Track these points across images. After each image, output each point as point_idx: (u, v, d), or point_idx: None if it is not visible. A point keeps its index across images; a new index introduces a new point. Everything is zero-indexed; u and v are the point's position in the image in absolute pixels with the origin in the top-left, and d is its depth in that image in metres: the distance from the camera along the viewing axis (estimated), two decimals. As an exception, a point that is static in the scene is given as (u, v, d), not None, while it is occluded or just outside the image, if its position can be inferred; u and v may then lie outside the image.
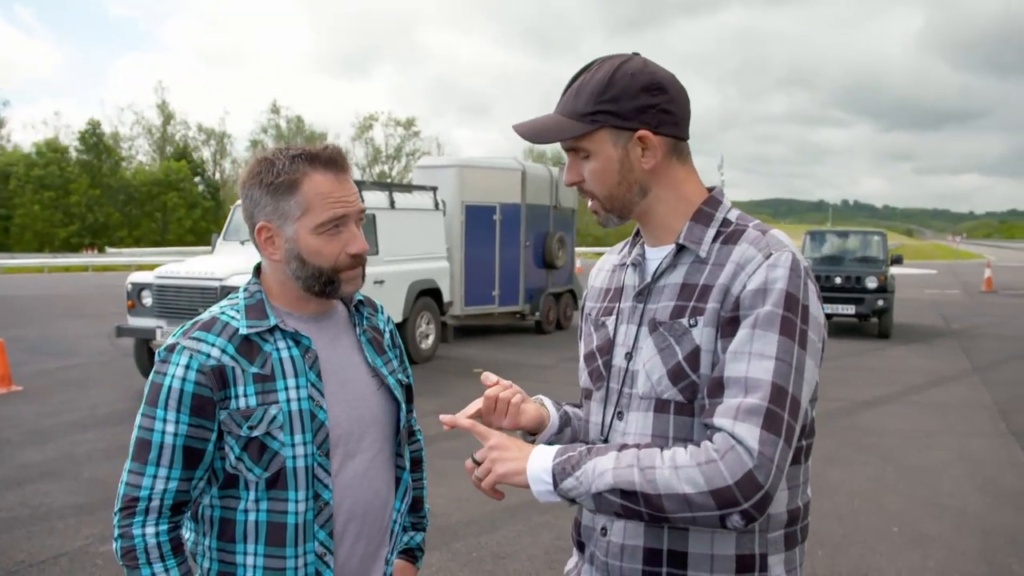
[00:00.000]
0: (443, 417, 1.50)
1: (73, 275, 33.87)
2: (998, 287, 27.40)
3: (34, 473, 6.21)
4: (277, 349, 1.63)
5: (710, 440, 1.30)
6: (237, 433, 1.58)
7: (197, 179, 63.91)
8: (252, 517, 1.61)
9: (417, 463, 2.03)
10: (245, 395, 1.58)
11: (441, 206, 12.37)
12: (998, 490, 6.09)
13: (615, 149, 1.44)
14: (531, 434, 1.62)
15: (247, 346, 1.62)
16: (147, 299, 9.16)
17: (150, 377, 1.61)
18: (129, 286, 9.32)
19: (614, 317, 1.55)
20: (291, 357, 1.64)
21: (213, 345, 1.59)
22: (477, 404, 1.56)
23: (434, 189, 12.33)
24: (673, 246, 1.47)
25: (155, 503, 1.56)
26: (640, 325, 1.48)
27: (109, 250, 46.99)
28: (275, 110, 72.99)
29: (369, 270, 10.18)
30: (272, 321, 1.64)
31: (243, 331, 1.62)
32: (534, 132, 1.48)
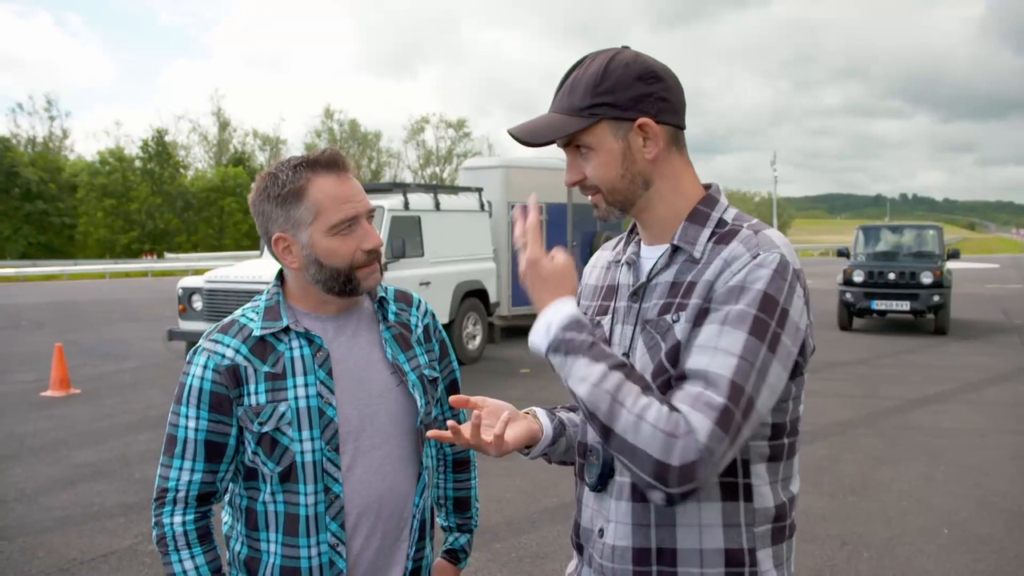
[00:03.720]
0: (430, 433, 1.48)
1: (133, 280, 34.74)
2: (1063, 281, 26.57)
3: (87, 473, 6.39)
4: (290, 348, 1.70)
5: (680, 413, 1.27)
6: (251, 429, 1.67)
7: (253, 185, 64.99)
8: (271, 508, 1.70)
9: (464, 463, 2.04)
10: (256, 393, 1.67)
11: (487, 207, 12.41)
12: (1055, 490, 5.90)
13: (616, 141, 1.42)
14: (526, 447, 1.60)
15: (261, 346, 1.70)
16: (197, 303, 9.36)
17: (181, 378, 1.72)
18: (180, 291, 9.54)
19: (609, 317, 1.54)
20: (302, 356, 1.70)
21: (228, 346, 1.69)
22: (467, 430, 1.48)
23: (479, 190, 12.37)
24: (668, 246, 1.46)
25: (181, 494, 1.67)
26: (635, 325, 1.47)
27: (168, 255, 48.10)
28: (328, 114, 73.97)
29: (415, 272, 10.35)
30: (284, 322, 1.71)
31: (257, 332, 1.70)
32: (531, 133, 1.44)
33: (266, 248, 1.79)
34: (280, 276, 1.82)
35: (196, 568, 1.67)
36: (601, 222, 1.59)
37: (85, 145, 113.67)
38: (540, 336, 1.38)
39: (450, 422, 1.40)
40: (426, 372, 1.85)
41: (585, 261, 14.15)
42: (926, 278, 14.17)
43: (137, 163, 59.38)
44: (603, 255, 1.67)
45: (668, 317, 1.40)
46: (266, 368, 1.68)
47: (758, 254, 1.35)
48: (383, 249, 1.80)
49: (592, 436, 1.54)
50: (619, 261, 1.58)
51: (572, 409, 1.72)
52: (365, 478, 1.73)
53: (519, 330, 15.22)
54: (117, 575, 4.50)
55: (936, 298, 14.10)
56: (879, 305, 14.45)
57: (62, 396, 9.43)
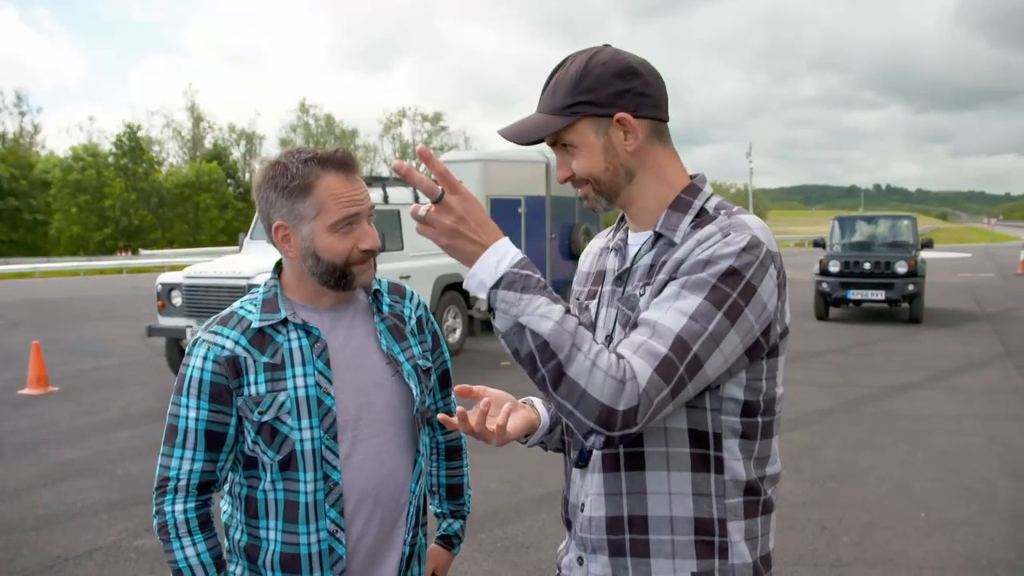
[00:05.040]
0: (441, 417, 1.51)
1: (108, 277, 34.39)
2: (1034, 269, 26.94)
3: (69, 471, 6.35)
4: (288, 340, 1.74)
5: (624, 359, 1.30)
6: (251, 418, 1.71)
7: (229, 180, 64.55)
8: (271, 496, 1.73)
9: (456, 451, 2.10)
10: (256, 383, 1.71)
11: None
12: (1029, 474, 6.02)
13: (597, 138, 1.47)
14: (524, 436, 1.64)
15: (260, 338, 1.74)
16: (177, 299, 9.29)
17: (180, 369, 1.76)
18: (159, 287, 9.46)
19: (596, 301, 1.59)
20: (300, 347, 1.74)
21: (228, 337, 1.73)
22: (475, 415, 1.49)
23: (458, 183, 12.35)
24: (651, 233, 1.50)
25: (182, 482, 1.71)
26: (618, 308, 1.52)
27: (143, 252, 47.67)
28: (304, 109, 73.52)
29: (395, 265, 10.34)
30: (282, 314, 1.75)
31: (256, 324, 1.74)
32: (517, 133, 1.50)
33: (263, 237, 1.81)
34: (278, 267, 1.85)
35: (197, 555, 1.70)
36: (591, 212, 1.64)
37: (57, 141, 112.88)
38: (487, 271, 1.34)
39: (459, 408, 1.42)
40: (420, 362, 1.90)
41: (563, 253, 14.09)
42: (901, 268, 14.34)
43: (111, 159, 58.77)
44: (597, 242, 1.72)
45: (636, 291, 1.45)
46: (265, 359, 1.72)
47: (729, 234, 1.38)
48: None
49: None
50: (609, 247, 1.62)
51: None
52: (363, 465, 1.77)
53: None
54: (103, 571, 4.49)
55: (911, 287, 14.28)
56: (855, 295, 14.62)
57: (40, 394, 9.35)
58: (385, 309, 1.89)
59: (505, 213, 13.71)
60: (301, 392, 1.71)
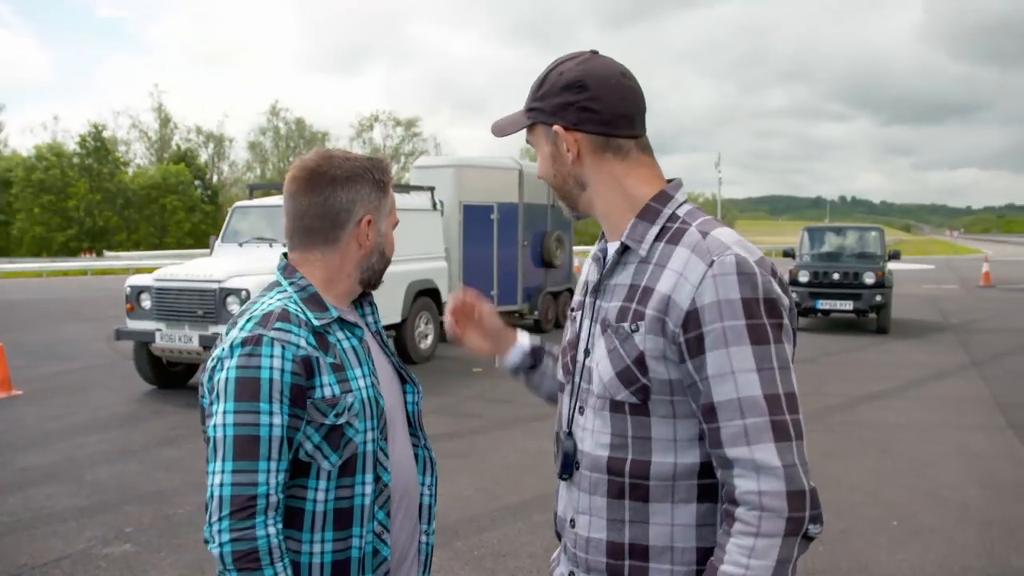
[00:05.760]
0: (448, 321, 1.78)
1: (72, 279, 33.85)
2: (996, 281, 27.42)
3: (36, 476, 6.22)
4: (339, 340, 1.71)
5: (734, 504, 1.33)
6: (321, 421, 1.62)
7: (197, 183, 63.87)
8: (320, 507, 1.64)
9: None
10: (329, 384, 1.64)
11: (439, 206, 12.38)
12: (997, 483, 6.11)
13: (547, 144, 1.52)
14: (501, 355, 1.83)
15: (320, 337, 1.68)
16: (146, 302, 9.16)
17: (232, 373, 1.57)
18: (128, 289, 9.32)
19: (580, 312, 1.60)
20: (352, 347, 1.73)
21: (300, 336, 1.62)
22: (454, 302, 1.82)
23: (431, 189, 12.34)
24: (619, 243, 1.49)
25: (273, 499, 1.55)
26: (594, 322, 1.51)
27: (107, 254, 46.97)
28: (275, 112, 72.93)
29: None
30: (334, 313, 1.71)
31: (315, 323, 1.67)
32: (498, 127, 1.60)
33: (313, 226, 1.68)
34: (286, 269, 1.77)
35: None
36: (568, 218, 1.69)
37: (20, 140, 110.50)
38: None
39: (455, 293, 1.61)
40: (394, 360, 1.95)
41: (535, 260, 14.11)
42: (869, 278, 14.52)
43: (75, 159, 57.87)
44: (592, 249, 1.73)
45: (626, 325, 1.42)
46: (329, 359, 1.66)
47: (712, 260, 1.36)
48: None
49: (562, 426, 1.60)
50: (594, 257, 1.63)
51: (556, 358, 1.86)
52: (400, 464, 1.81)
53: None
54: (72, 579, 4.40)
55: (878, 298, 14.45)
56: (823, 304, 14.77)
57: (4, 398, 9.16)
58: (373, 314, 1.95)
59: (478, 219, 13.70)
60: (364, 393, 1.69)
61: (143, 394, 9.41)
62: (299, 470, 1.63)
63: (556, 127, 1.48)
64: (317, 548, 1.65)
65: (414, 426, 1.91)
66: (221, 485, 1.53)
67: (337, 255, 1.75)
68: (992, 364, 11.42)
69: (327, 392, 1.62)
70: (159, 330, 8.98)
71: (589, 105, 1.46)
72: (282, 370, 1.57)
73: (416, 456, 1.91)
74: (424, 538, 1.92)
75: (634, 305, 1.42)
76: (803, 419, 1.36)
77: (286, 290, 1.72)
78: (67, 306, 20.55)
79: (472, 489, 5.83)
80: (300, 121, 73.53)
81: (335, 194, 1.70)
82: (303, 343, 1.62)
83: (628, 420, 1.43)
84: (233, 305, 8.55)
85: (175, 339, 8.90)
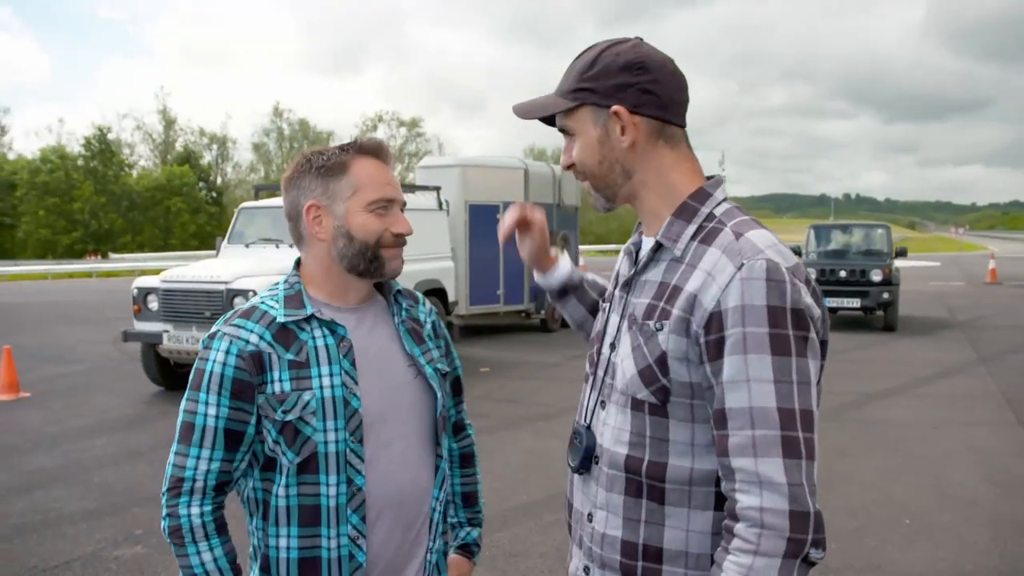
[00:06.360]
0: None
1: (77, 281, 33.92)
2: (1002, 278, 27.37)
3: (43, 479, 6.22)
4: (313, 337, 1.70)
5: (734, 520, 1.29)
6: (273, 417, 1.65)
7: (201, 184, 63.93)
8: (282, 502, 1.67)
9: (469, 458, 2.06)
10: (280, 380, 1.65)
11: (444, 206, 12.37)
12: (1007, 479, 6.08)
13: (595, 128, 1.44)
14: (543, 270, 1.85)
15: (284, 334, 1.68)
16: (153, 303, 9.17)
17: (195, 364, 1.68)
18: (135, 291, 9.33)
19: (609, 304, 1.57)
20: (326, 346, 1.70)
21: (252, 332, 1.67)
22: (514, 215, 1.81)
23: (437, 189, 12.33)
24: (654, 240, 1.46)
25: (199, 484, 1.64)
26: (622, 317, 1.48)
27: (112, 256, 47.05)
28: (278, 113, 72.94)
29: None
30: (308, 310, 1.71)
31: (280, 319, 1.69)
32: (525, 109, 1.51)
33: (289, 230, 1.78)
34: (298, 264, 1.82)
35: (214, 560, 1.65)
36: (598, 211, 1.61)
37: (25, 143, 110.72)
38: None
39: (521, 204, 1.64)
40: (439, 366, 1.87)
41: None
42: (876, 276, 14.48)
43: (80, 161, 57.96)
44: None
45: (651, 323, 1.39)
46: (289, 356, 1.67)
47: (742, 264, 1.31)
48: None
49: (580, 417, 1.57)
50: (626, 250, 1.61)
51: (592, 287, 1.89)
52: (388, 470, 1.73)
53: (477, 329, 15.21)
54: (82, 582, 4.39)
55: (885, 295, 14.42)
56: (831, 302, 14.71)
57: (11, 400, 9.17)
58: (403, 313, 1.86)
59: (483, 219, 13.68)
60: (327, 392, 1.67)
61: (150, 396, 9.41)
62: (268, 463, 1.69)
63: (617, 108, 1.41)
64: (284, 543, 1.68)
65: (436, 434, 1.83)
66: (167, 464, 1.68)
67: (312, 252, 1.77)
68: (1000, 360, 11.39)
69: (276, 388, 1.65)
70: (166, 331, 8.98)
71: (650, 87, 1.42)
72: (224, 363, 1.64)
73: (437, 467, 1.83)
74: (429, 556, 1.81)
75: (662, 303, 1.39)
76: (816, 440, 1.30)
77: (277, 287, 1.78)
78: (72, 309, 20.58)
79: (484, 490, 5.81)
80: (304, 122, 73.53)
81: (287, 195, 1.77)
82: (254, 339, 1.66)
83: (647, 420, 1.40)
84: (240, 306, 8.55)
85: (182, 340, 8.91)
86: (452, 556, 1.99)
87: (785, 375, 1.27)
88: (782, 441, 1.25)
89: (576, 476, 1.55)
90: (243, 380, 1.64)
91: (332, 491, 1.66)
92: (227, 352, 1.64)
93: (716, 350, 1.31)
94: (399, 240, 1.75)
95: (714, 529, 1.39)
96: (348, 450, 1.67)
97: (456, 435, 2.03)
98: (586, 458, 1.50)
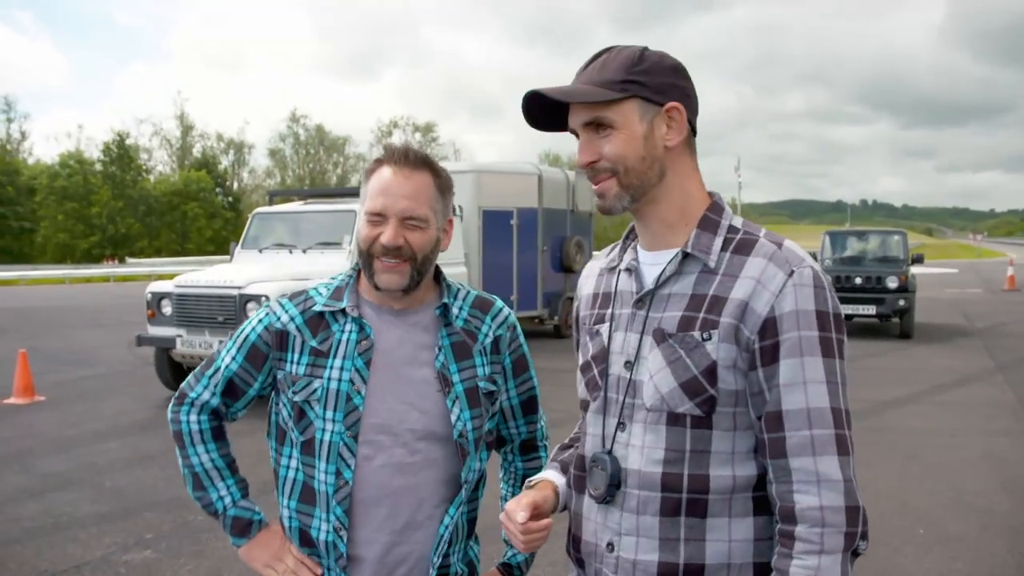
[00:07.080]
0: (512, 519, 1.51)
1: (94, 286, 34.17)
2: (1021, 285, 27.13)
3: (56, 482, 6.25)
4: (342, 331, 1.76)
5: (792, 523, 1.33)
6: (287, 394, 1.77)
7: (218, 190, 64.31)
8: (290, 474, 1.79)
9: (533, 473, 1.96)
10: (298, 363, 1.76)
11: (458, 211, 12.38)
12: (1025, 489, 6.01)
13: (641, 123, 1.40)
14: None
15: (316, 321, 1.77)
16: (167, 308, 9.21)
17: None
18: (149, 295, 9.37)
19: (608, 324, 1.52)
20: (347, 340, 1.75)
21: (286, 311, 1.80)
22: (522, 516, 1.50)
23: (451, 194, 12.33)
24: (675, 252, 1.44)
25: (197, 404, 1.85)
26: (643, 334, 1.44)
27: (129, 260, 47.37)
28: (295, 119, 73.31)
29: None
30: (343, 303, 1.77)
31: (318, 307, 1.78)
32: (566, 93, 1.41)
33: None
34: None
35: (212, 460, 1.83)
36: (604, 215, 1.55)
37: (45, 148, 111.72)
38: None
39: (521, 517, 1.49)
40: (481, 384, 1.78)
41: (555, 266, 14.04)
42: (892, 283, 14.39)
43: (98, 166, 58.43)
44: (595, 265, 1.66)
45: (695, 334, 1.38)
46: (313, 343, 1.75)
47: (792, 271, 1.37)
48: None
49: (593, 447, 1.52)
50: (614, 268, 1.56)
51: (568, 446, 1.76)
52: (381, 472, 1.71)
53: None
54: (92, 585, 4.40)
55: (901, 302, 14.32)
56: (846, 309, 14.62)
57: (26, 403, 9.23)
58: (457, 323, 1.79)
59: (497, 225, 13.69)
60: (333, 384, 1.72)
61: (163, 400, 9.44)
62: (281, 435, 1.82)
63: (675, 104, 1.41)
64: (287, 512, 1.80)
65: (454, 451, 1.75)
66: (186, 379, 1.90)
67: None
68: (1018, 368, 11.28)
69: (293, 369, 1.76)
70: (180, 336, 9.01)
71: (691, 92, 1.46)
72: (253, 328, 1.81)
73: (453, 483, 1.76)
74: (432, 572, 1.75)
75: (702, 314, 1.38)
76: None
77: (336, 277, 1.86)
78: (89, 313, 20.74)
79: (487, 496, 5.79)
80: (320, 128, 73.94)
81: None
82: (285, 318, 1.78)
83: (687, 434, 1.39)
84: (253, 311, 8.57)
85: (195, 345, 8.94)
86: (491, 571, 1.90)
87: (833, 376, 1.35)
88: (836, 439, 1.33)
89: (592, 506, 1.50)
90: (260, 349, 1.80)
91: (323, 477, 1.73)
92: (260, 321, 1.81)
93: (772, 354, 1.35)
94: (388, 251, 1.68)
95: (755, 535, 1.39)
96: (342, 443, 1.71)
97: (525, 454, 1.99)
98: (611, 484, 1.45)
